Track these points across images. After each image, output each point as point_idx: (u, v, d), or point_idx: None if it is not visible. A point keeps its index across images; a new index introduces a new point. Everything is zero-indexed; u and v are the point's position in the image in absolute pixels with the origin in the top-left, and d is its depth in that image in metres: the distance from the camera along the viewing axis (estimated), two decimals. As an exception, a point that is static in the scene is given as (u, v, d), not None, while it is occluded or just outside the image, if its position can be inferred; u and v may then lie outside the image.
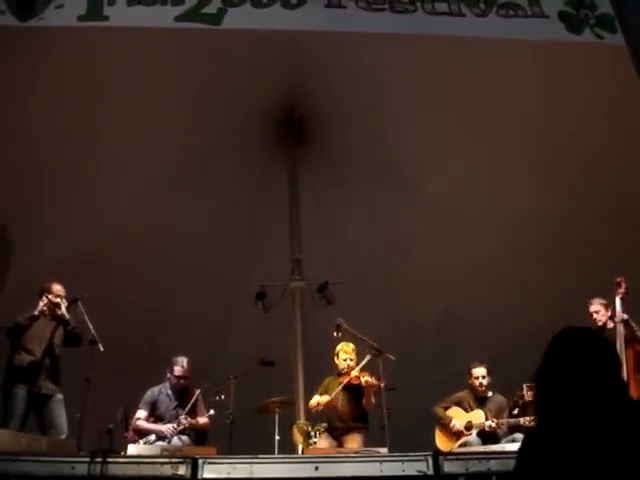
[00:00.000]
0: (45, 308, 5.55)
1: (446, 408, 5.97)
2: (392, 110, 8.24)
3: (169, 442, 5.43)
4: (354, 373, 5.77)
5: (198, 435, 5.78)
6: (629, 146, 7.63)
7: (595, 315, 5.64)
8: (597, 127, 7.61)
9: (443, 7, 6.69)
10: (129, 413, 5.84)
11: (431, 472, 4.06)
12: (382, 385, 5.52)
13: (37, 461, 3.99)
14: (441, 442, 5.83)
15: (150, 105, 7.76)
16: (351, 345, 6.03)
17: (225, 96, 8.07)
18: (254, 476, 4.05)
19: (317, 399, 5.98)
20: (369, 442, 5.57)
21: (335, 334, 6.09)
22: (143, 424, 5.66)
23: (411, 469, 4.09)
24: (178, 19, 6.45)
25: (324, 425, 6.05)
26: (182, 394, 5.86)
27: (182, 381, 5.88)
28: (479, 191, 8.45)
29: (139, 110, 7.73)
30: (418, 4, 6.69)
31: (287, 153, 9.11)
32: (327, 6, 6.64)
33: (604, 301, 5.66)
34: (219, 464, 4.11)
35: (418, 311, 9.03)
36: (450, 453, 4.64)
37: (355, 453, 4.81)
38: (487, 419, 5.68)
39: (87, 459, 3.99)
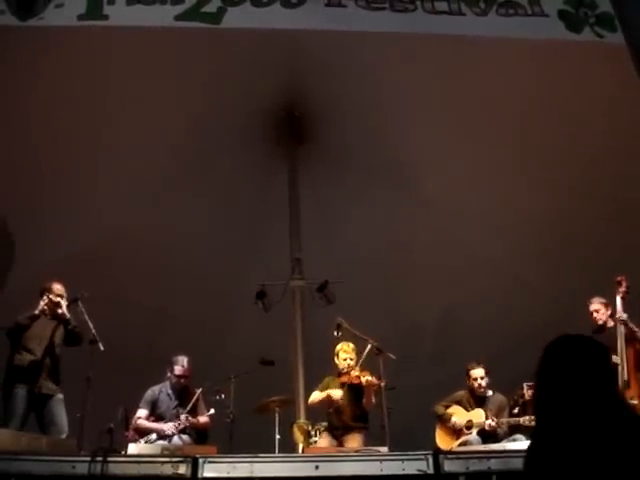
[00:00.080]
0: (45, 307, 5.54)
1: (446, 407, 5.96)
2: (392, 109, 8.24)
3: (169, 441, 5.44)
4: (354, 373, 5.76)
5: (198, 434, 5.79)
6: (629, 146, 7.62)
7: (595, 314, 5.64)
8: (597, 126, 7.60)
9: (443, 6, 6.70)
10: (129, 412, 5.85)
11: (431, 471, 4.06)
12: (382, 385, 5.52)
13: (37, 460, 4.00)
14: (441, 441, 5.82)
15: (150, 105, 7.75)
16: (351, 345, 6.02)
17: (225, 95, 8.07)
18: (254, 475, 4.05)
19: (316, 395, 5.98)
20: (369, 441, 5.56)
21: (335, 333, 6.10)
22: (144, 423, 5.67)
23: (411, 468, 4.09)
24: (178, 18, 6.46)
25: (324, 424, 6.05)
26: (182, 393, 5.86)
27: (182, 380, 5.88)
28: (479, 191, 8.45)
29: (139, 110, 7.72)
30: (418, 3, 6.69)
31: (287, 152, 9.10)
32: (327, 5, 6.65)
33: (604, 300, 5.66)
34: (219, 463, 4.12)
35: (418, 311, 9.02)
36: (450, 452, 4.64)
37: (355, 452, 4.81)
38: (487, 418, 5.67)
39: (88, 458, 4.01)
